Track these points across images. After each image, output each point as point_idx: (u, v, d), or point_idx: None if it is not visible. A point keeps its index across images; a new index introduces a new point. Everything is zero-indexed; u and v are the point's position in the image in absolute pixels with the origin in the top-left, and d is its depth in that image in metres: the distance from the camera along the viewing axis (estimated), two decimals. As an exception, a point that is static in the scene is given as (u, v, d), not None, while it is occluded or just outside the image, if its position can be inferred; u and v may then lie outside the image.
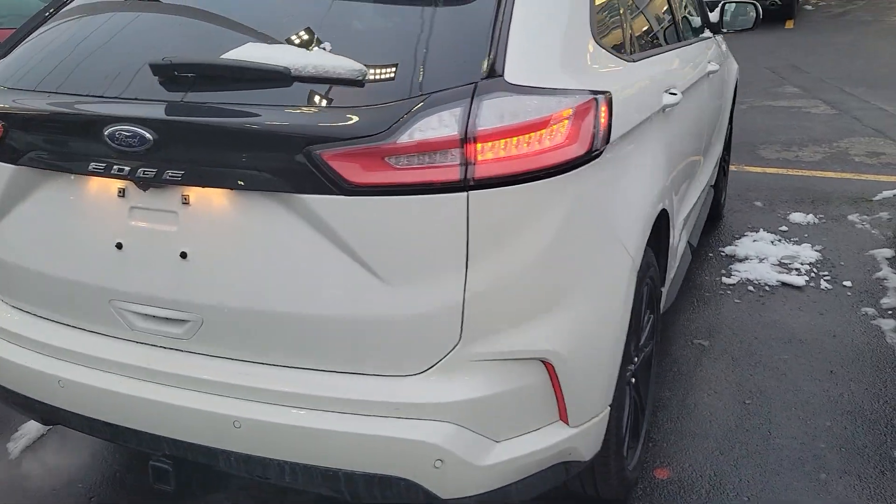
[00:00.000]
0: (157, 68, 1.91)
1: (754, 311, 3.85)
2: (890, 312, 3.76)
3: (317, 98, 1.83)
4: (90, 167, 1.95)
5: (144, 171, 1.89)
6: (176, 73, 1.90)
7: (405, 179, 1.75)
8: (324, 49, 1.89)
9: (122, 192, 1.98)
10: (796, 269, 4.28)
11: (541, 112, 1.81)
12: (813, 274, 4.24)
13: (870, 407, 3.01)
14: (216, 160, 1.85)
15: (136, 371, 2.03)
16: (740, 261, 4.43)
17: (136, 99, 1.94)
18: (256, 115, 1.81)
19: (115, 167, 1.92)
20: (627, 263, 2.13)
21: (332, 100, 1.83)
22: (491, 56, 1.84)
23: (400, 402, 1.86)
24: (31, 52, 2.24)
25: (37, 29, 2.33)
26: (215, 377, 1.96)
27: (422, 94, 1.77)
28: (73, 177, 2.02)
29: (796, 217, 5.06)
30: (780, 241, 4.68)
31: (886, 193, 5.46)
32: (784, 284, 4.12)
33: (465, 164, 1.74)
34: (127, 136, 1.86)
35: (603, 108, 1.94)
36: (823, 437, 2.84)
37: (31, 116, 2.06)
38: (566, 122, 1.84)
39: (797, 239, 4.71)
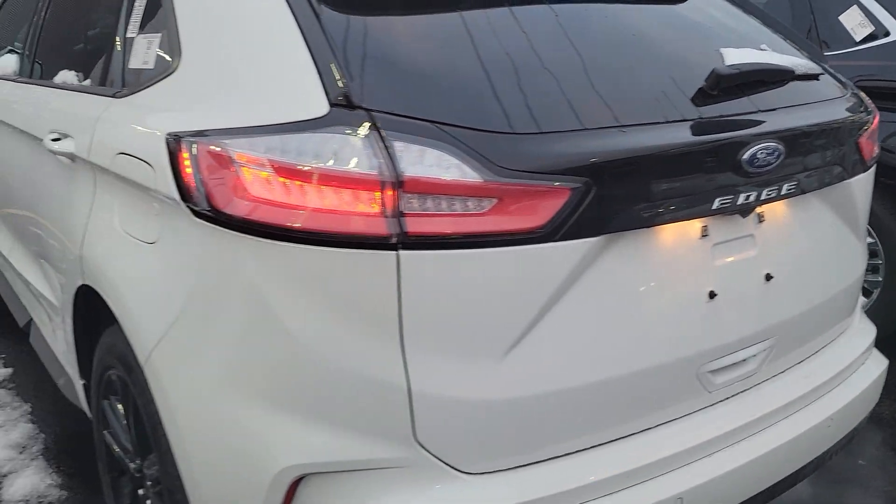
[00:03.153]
0: (716, 77, 1.66)
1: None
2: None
3: (812, 92, 1.93)
4: (715, 205, 1.58)
5: (768, 191, 1.67)
6: (734, 82, 1.70)
7: (875, 150, 2.06)
8: (768, 51, 1.96)
9: (705, 232, 1.65)
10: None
11: None
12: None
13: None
14: (813, 164, 1.79)
15: (726, 438, 1.73)
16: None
17: (721, 116, 1.65)
18: (823, 114, 1.83)
19: (742, 196, 1.62)
20: None
21: (818, 92, 1.95)
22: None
23: (864, 348, 2.14)
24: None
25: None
26: (789, 396, 1.86)
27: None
28: (645, 231, 1.56)
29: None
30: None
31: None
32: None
33: None
34: (767, 155, 1.62)
35: None
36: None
37: (634, 163, 1.48)
38: None
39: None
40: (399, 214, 1.34)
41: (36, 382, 3.44)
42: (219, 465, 1.56)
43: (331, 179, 1.36)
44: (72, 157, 2.08)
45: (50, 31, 2.77)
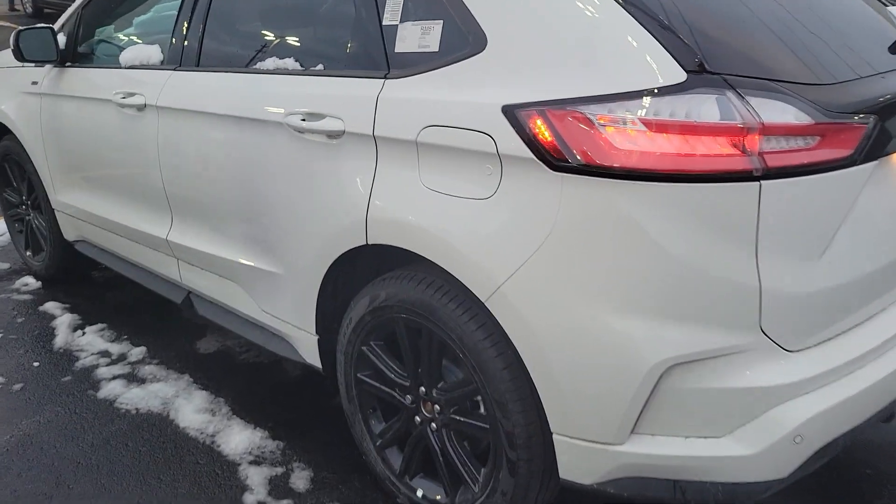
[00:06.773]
0: None
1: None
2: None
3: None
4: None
5: None
6: None
7: None
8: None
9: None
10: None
11: None
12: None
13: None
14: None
15: None
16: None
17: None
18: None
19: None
20: None
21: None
22: None
23: None
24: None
25: None
26: None
27: None
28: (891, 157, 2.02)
29: None
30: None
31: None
32: None
33: None
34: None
35: None
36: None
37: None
38: None
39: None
40: (760, 153, 1.75)
41: (178, 354, 3.65)
42: (585, 366, 1.91)
43: (704, 130, 1.75)
44: (335, 135, 2.35)
45: (225, 22, 2.96)
